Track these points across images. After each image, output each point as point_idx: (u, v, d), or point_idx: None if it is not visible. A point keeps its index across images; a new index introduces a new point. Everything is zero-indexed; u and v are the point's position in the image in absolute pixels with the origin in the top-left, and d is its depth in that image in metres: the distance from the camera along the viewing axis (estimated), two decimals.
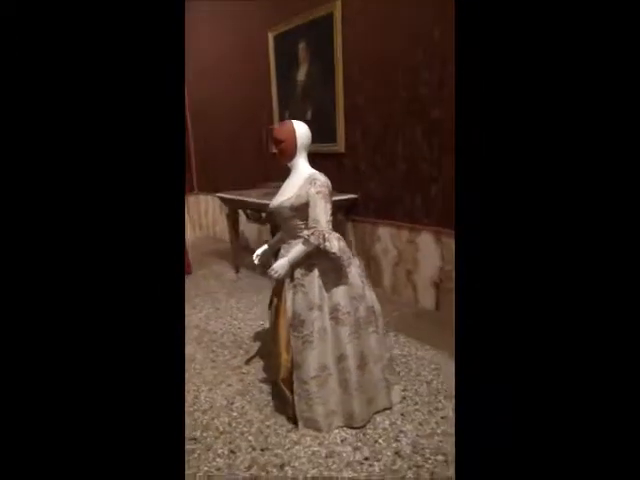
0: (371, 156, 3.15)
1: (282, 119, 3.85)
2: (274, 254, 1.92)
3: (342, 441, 1.65)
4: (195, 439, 1.71)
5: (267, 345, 2.51)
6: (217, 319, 2.94)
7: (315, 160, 3.50)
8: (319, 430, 1.69)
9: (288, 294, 1.72)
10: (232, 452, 1.63)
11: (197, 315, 3.01)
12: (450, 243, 2.71)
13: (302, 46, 3.43)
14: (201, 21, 4.78)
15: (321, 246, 1.58)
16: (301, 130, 1.71)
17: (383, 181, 3.10)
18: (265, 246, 2.00)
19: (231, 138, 4.68)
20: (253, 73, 4.09)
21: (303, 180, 1.69)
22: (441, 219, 2.74)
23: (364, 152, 3.21)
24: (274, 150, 1.74)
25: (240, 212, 3.76)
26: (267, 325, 2.79)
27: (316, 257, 1.65)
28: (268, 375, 2.13)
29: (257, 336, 2.65)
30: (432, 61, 2.59)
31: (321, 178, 1.68)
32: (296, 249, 1.65)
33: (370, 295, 1.77)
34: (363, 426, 1.71)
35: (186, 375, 2.20)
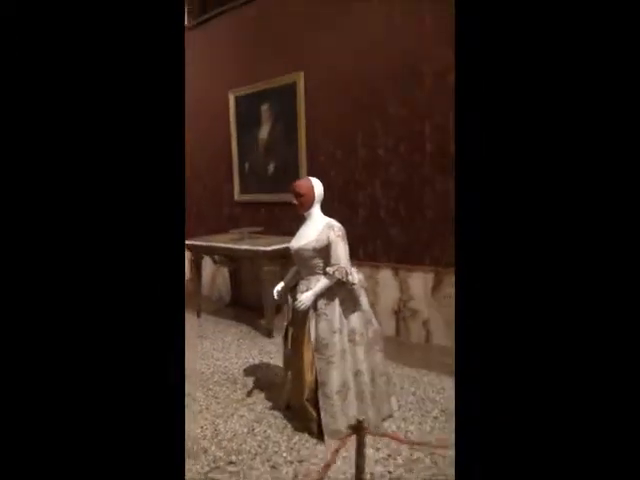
0: (334, 205, 3.60)
1: (241, 171, 4.17)
2: (290, 289, 2.21)
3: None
4: (233, 462, 1.87)
5: (267, 377, 2.71)
6: (200, 361, 3.04)
7: (279, 208, 3.88)
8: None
9: (312, 322, 2.01)
10: (273, 467, 1.83)
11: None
12: (406, 277, 3.21)
13: (265, 108, 3.85)
14: None
15: (344, 279, 1.93)
16: (318, 186, 2.09)
17: (346, 226, 3.55)
18: (282, 283, 2.27)
19: (187, 189, 4.84)
20: (212, 129, 4.39)
21: (322, 226, 2.04)
22: (399, 257, 3.25)
23: (326, 201, 3.65)
24: (295, 202, 2.07)
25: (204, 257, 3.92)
26: (254, 361, 2.98)
27: (337, 289, 1.99)
28: (276, 403, 2.34)
29: (248, 371, 2.82)
30: (387, 127, 3.17)
31: (337, 224, 2.05)
32: (321, 283, 1.97)
33: (375, 319, 2.14)
34: (377, 432, 2.02)
35: (196, 411, 2.31)
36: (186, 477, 1.76)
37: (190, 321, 3.91)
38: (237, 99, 4.07)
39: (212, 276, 4.54)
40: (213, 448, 1.98)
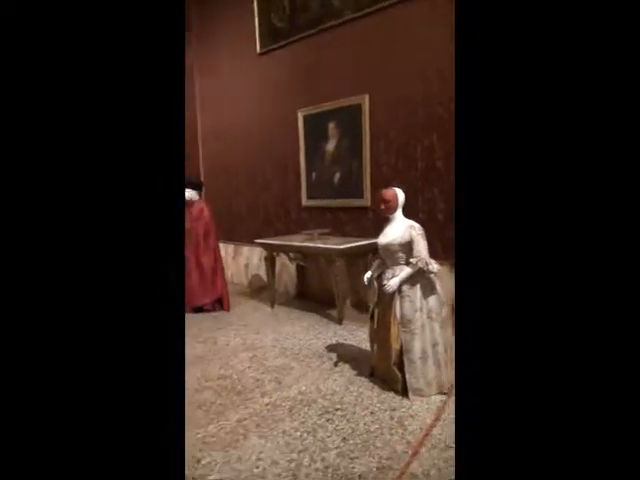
0: None
1: (309, 180, 4.74)
2: (376, 277, 2.73)
3: (440, 400, 2.44)
4: (339, 409, 2.40)
5: (347, 353, 3.25)
6: (285, 340, 3.60)
7: (343, 212, 4.41)
8: (423, 396, 2.47)
9: (397, 302, 2.53)
10: (372, 413, 2.35)
11: (268, 337, 3.65)
12: None
13: (332, 125, 4.41)
14: (230, 85, 5.65)
15: (425, 268, 2.44)
16: (400, 194, 2.61)
17: None
18: (370, 272, 2.80)
19: (253, 195, 5.45)
20: (282, 144, 4.98)
21: (404, 226, 2.56)
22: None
23: None
24: (382, 207, 2.61)
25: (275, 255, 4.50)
26: (332, 342, 3.52)
27: (418, 276, 2.50)
28: (360, 371, 2.86)
29: (329, 348, 3.36)
30: (443, 143, 3.67)
31: (417, 225, 2.56)
32: (405, 271, 2.49)
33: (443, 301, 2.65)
34: (448, 392, 2.52)
35: (296, 375, 2.86)
36: (303, 421, 2.30)
37: (266, 310, 4.50)
38: (305, 117, 4.65)
39: (279, 272, 5.12)
40: (319, 400, 2.52)
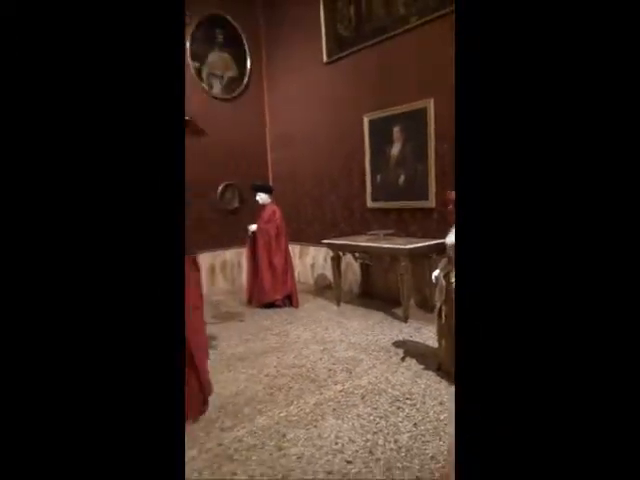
0: None
1: (374, 183, 4.91)
2: (444, 275, 2.85)
3: None
4: (410, 398, 2.55)
5: (414, 348, 3.38)
6: (353, 335, 3.79)
7: (407, 213, 4.52)
8: None
9: None
10: (441, 403, 2.47)
11: (336, 332, 3.86)
12: None
13: (397, 129, 4.55)
14: (297, 94, 5.96)
15: None
16: None
17: None
18: (438, 270, 2.93)
19: (319, 198, 5.71)
20: (348, 147, 5.20)
21: None
22: None
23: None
24: (449, 207, 2.72)
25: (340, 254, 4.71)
26: (399, 338, 3.66)
27: None
28: (427, 366, 2.99)
29: (396, 344, 3.50)
30: None
31: None
32: None
33: None
34: None
35: (366, 367, 3.05)
36: (375, 407, 2.47)
37: (332, 308, 4.72)
38: (371, 122, 4.82)
39: (344, 271, 5.33)
40: (389, 390, 2.68)
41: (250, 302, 4.86)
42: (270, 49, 6.26)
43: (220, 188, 5.94)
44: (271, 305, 4.75)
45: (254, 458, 2.04)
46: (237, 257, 6.09)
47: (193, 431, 2.29)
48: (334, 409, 2.48)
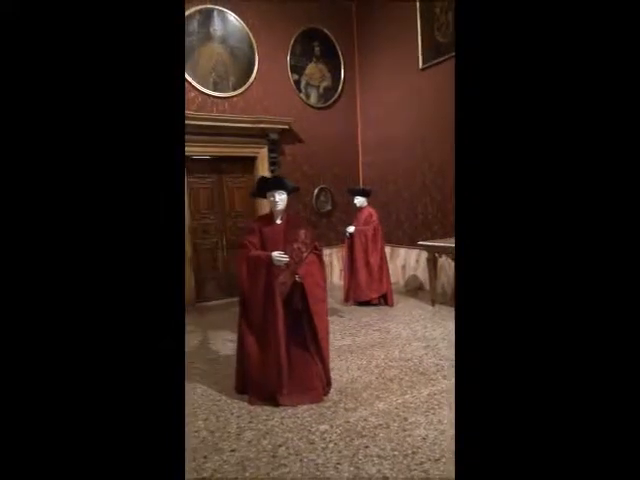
0: None
1: None
2: None
3: None
4: None
5: None
6: (452, 334, 3.87)
7: None
8: None
9: None
10: None
11: (436, 331, 3.99)
12: None
13: None
14: (391, 99, 6.16)
15: None
16: None
17: None
18: None
19: (411, 201, 5.85)
20: (441, 151, 5.29)
21: None
22: None
23: None
24: None
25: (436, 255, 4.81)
26: None
27: None
28: None
29: None
30: None
31: None
32: None
33: None
34: None
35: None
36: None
37: (427, 307, 4.83)
38: None
39: (437, 273, 5.41)
40: None
41: (347, 300, 5.12)
42: (364, 58, 6.51)
43: (315, 192, 6.30)
44: (366, 303, 4.97)
45: (381, 435, 2.26)
46: (329, 257, 6.41)
47: (321, 409, 2.57)
48: (449, 400, 2.62)
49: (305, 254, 2.70)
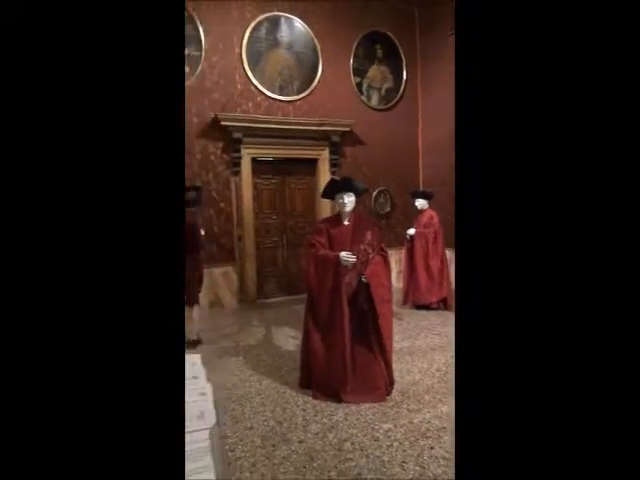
0: None
1: None
2: None
3: None
4: None
5: None
6: None
7: None
8: None
9: None
10: None
11: None
12: None
13: None
14: (452, 101, 6.07)
15: None
16: None
17: None
18: None
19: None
20: None
21: None
22: None
23: None
24: None
25: None
26: None
27: None
28: None
29: None
30: None
31: None
32: None
33: None
34: None
35: None
36: None
37: None
38: None
39: None
40: None
41: (405, 302, 5.10)
42: (425, 59, 6.45)
43: (374, 194, 6.32)
44: (425, 307, 4.93)
45: (446, 438, 2.27)
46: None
47: (384, 408, 2.61)
48: None
49: (371, 255, 2.75)
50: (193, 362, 0.94)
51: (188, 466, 0.76)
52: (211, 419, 0.83)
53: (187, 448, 0.78)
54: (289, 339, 4.07)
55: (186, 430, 0.81)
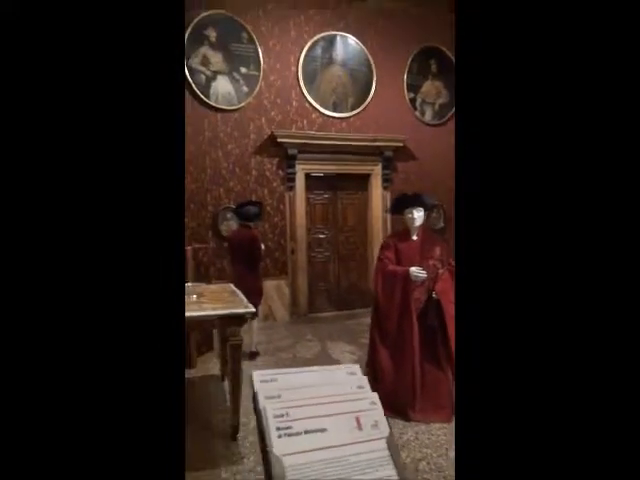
0: None
1: None
2: None
3: None
4: None
5: None
6: None
7: None
8: None
9: None
10: None
11: None
12: None
13: None
14: None
15: None
16: None
17: None
18: None
19: None
20: None
21: None
22: None
23: None
24: None
25: None
26: None
27: None
28: None
29: None
30: None
31: None
32: None
33: None
34: None
35: None
36: None
37: None
38: None
39: None
40: None
41: None
42: None
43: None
44: None
45: None
46: None
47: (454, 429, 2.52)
48: None
49: (441, 271, 2.71)
50: (352, 372, 0.94)
51: (369, 475, 0.77)
52: (385, 428, 0.83)
53: (364, 457, 0.79)
54: (346, 354, 4.04)
55: (362, 439, 0.82)
